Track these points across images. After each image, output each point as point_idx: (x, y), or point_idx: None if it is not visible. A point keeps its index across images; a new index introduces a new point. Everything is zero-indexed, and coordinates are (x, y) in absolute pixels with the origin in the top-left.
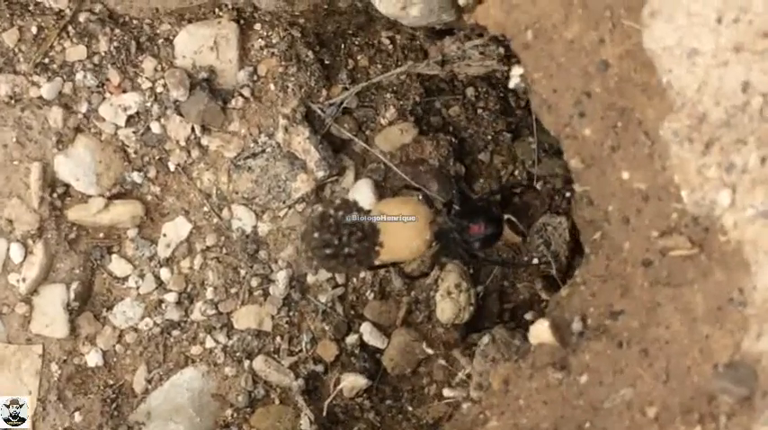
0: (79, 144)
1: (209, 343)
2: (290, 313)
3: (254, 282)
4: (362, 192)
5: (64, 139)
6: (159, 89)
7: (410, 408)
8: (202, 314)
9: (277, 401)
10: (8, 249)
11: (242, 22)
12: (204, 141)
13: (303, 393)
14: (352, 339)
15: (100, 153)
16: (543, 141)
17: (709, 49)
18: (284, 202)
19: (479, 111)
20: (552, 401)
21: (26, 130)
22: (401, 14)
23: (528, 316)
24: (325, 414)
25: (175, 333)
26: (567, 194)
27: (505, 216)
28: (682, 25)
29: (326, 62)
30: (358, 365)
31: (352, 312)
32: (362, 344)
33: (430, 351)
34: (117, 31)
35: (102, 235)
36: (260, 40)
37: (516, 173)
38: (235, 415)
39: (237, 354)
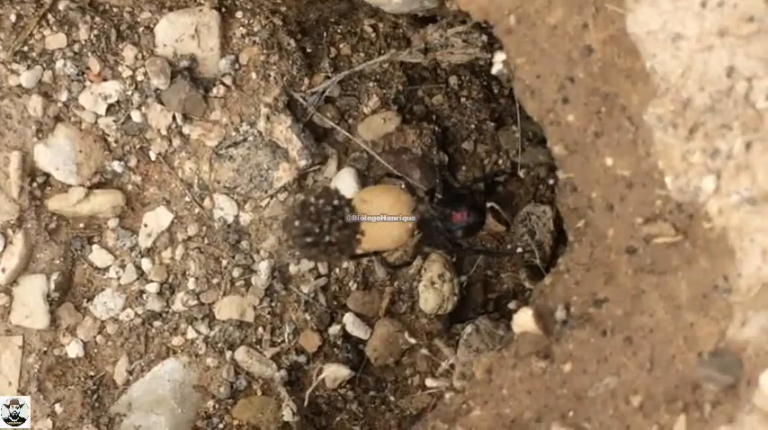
0: (59, 133)
1: (191, 334)
2: (273, 304)
3: (236, 273)
4: (345, 182)
5: (44, 128)
6: (140, 77)
7: (393, 399)
8: (184, 305)
9: (259, 392)
10: None
11: (223, 9)
12: (185, 130)
13: (285, 384)
14: (334, 330)
15: (80, 142)
16: (527, 130)
17: (693, 34)
18: (266, 192)
19: (462, 99)
20: (536, 390)
21: (5, 119)
22: (383, 1)
23: (512, 305)
24: (306, 404)
25: (157, 324)
26: (551, 182)
27: (488, 204)
28: (666, 10)
29: (309, 50)
30: (341, 356)
31: (335, 302)
32: (345, 335)
33: (413, 341)
34: (97, 18)
35: (82, 225)
36: (241, 28)
37: (500, 162)
38: (216, 406)
39: (219, 345)
